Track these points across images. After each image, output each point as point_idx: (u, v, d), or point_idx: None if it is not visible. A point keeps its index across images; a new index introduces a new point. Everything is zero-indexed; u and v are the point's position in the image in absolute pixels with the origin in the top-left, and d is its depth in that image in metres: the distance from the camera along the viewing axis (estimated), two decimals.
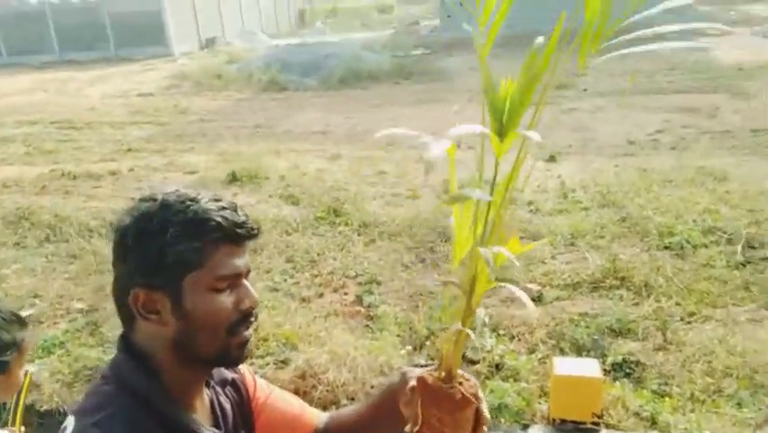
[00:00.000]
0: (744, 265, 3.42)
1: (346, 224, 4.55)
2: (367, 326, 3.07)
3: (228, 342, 0.88)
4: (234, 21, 26.09)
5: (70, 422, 0.84)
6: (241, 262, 0.88)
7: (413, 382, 0.90)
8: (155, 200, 0.87)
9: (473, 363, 2.68)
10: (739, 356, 2.54)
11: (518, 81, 0.82)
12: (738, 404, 2.31)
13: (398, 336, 2.88)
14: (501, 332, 2.91)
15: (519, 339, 2.89)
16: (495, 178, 0.80)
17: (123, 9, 21.99)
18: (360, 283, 3.62)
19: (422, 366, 0.96)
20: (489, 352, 2.70)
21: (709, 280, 3.26)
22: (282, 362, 2.68)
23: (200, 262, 0.84)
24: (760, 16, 15.91)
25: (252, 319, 0.91)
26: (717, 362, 2.53)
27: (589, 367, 2.22)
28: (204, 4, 24.14)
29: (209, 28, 23.97)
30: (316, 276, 3.73)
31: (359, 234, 4.36)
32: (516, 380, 2.49)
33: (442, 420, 0.84)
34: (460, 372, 0.87)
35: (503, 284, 0.79)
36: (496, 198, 0.80)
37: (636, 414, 2.26)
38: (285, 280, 3.67)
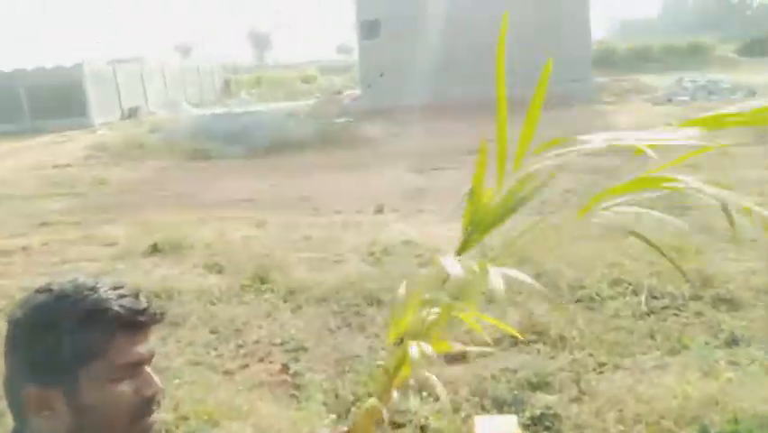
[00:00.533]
0: (648, 315, 3.67)
1: (272, 291, 4.53)
2: (293, 395, 3.03)
3: (130, 432, 0.87)
4: (158, 91, 26.02)
5: None
6: (142, 349, 0.88)
7: None
8: (51, 291, 0.84)
9: (399, 426, 2.70)
10: (647, 403, 2.69)
11: (503, 200, 0.89)
12: None
13: (324, 403, 2.87)
14: (426, 393, 2.95)
15: None
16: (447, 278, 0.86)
17: (40, 81, 21.50)
18: (286, 351, 3.58)
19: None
20: (414, 414, 2.73)
21: (617, 331, 3.47)
22: None
23: (97, 353, 0.83)
24: (649, 85, 17.53)
25: (155, 407, 0.90)
26: (628, 410, 2.67)
27: (508, 424, 2.29)
28: (126, 75, 24.00)
29: (132, 98, 23.75)
30: (241, 346, 3.67)
31: (285, 301, 4.34)
32: None
33: None
34: None
35: (427, 375, 0.87)
36: (446, 305, 0.87)
37: None
38: (208, 353, 3.58)
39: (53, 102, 20.99)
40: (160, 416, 0.92)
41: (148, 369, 0.89)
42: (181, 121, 16.84)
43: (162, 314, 0.91)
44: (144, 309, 0.87)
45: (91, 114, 21.11)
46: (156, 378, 0.90)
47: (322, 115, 15.79)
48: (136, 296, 0.88)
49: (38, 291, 0.86)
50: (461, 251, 0.88)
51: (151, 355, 0.90)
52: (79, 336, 0.82)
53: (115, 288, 0.87)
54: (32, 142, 16.45)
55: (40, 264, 5.65)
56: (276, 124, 13.27)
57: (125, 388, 0.85)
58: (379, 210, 6.91)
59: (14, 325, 0.83)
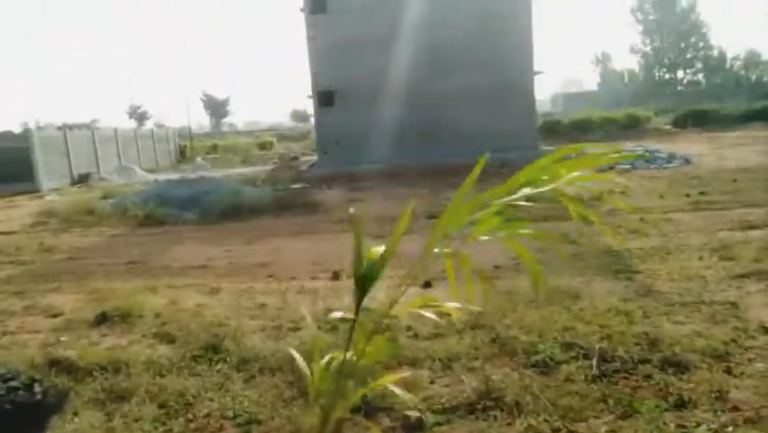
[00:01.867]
0: (599, 379, 3.73)
1: (225, 361, 4.41)
2: None
3: None
4: (111, 156, 25.73)
5: None
6: None
7: None
8: None
9: None
10: None
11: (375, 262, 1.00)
12: None
13: None
14: None
15: None
16: (350, 337, 0.92)
17: None
18: (238, 425, 3.47)
19: None
20: None
21: (571, 395, 3.52)
22: None
23: None
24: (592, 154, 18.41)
25: None
26: None
27: None
28: (77, 140, 23.71)
29: (83, 164, 23.37)
30: (191, 421, 3.53)
31: (238, 372, 4.23)
32: None
33: None
34: None
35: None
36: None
37: None
38: (156, 429, 3.43)
39: (0, 167, 20.43)
40: None
41: None
42: (134, 186, 16.62)
43: (60, 403, 0.86)
44: (39, 402, 0.80)
45: (40, 179, 20.62)
46: None
47: (278, 181, 15.87)
48: (29, 387, 0.81)
49: None
50: (356, 305, 0.96)
51: None
52: None
53: (5, 380, 0.80)
54: None
55: None
56: (231, 190, 13.25)
57: None
58: (336, 277, 6.90)
59: None
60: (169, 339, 4.94)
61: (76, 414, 3.44)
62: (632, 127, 29.59)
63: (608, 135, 27.26)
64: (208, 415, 3.58)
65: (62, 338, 5.11)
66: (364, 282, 1.00)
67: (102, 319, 5.47)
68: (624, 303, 5.05)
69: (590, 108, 36.14)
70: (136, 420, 3.51)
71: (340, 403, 0.84)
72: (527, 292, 5.57)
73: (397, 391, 0.84)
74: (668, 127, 30.10)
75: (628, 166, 14.96)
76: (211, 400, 3.79)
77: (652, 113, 33.56)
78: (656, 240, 7.41)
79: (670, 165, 14.89)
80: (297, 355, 0.98)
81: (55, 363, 4.39)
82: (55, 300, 6.43)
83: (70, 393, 3.71)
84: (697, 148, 18.33)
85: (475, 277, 6.91)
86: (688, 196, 10.33)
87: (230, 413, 3.60)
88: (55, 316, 5.87)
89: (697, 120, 29.61)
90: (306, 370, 0.94)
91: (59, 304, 6.24)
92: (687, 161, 15.18)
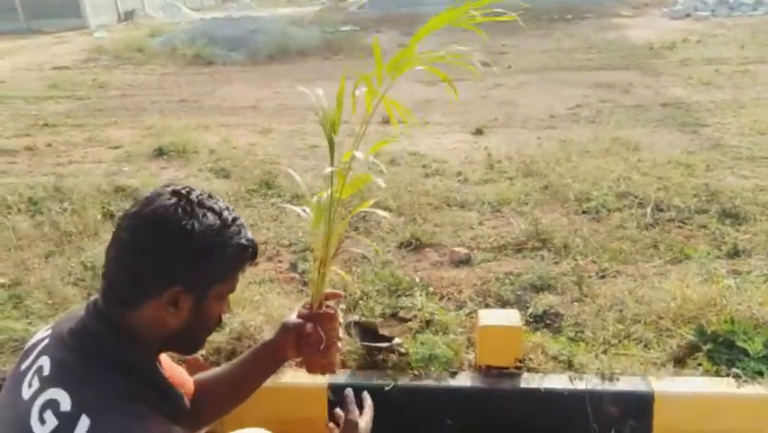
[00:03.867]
0: (652, 226, 3.69)
1: (279, 195, 4.55)
2: (302, 290, 3.11)
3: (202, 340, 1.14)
4: None
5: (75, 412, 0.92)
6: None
7: (294, 316, 1.41)
8: (215, 213, 1.03)
9: (405, 320, 2.79)
10: (646, 305, 2.77)
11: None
12: (645, 346, 2.53)
13: None
14: (431, 291, 3.04)
15: (449, 298, 3.02)
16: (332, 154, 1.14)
17: None
18: (294, 252, 3.65)
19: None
20: (419, 310, 2.82)
21: (622, 240, 3.51)
22: None
23: (229, 278, 1.07)
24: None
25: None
26: (627, 310, 2.75)
27: (511, 318, 2.37)
28: None
29: (128, 0, 22.82)
30: None
31: (292, 205, 4.36)
32: (445, 333, 2.61)
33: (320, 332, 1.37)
34: (326, 303, 1.43)
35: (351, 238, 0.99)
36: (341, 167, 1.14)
37: (554, 358, 2.44)
38: None
39: (48, 2, 20.18)
40: None
41: None
42: (180, 25, 16.29)
43: None
44: (257, 252, 1.12)
45: (87, 15, 20.37)
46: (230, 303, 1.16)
47: (327, 23, 15.23)
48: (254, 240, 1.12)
49: (200, 206, 1.02)
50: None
51: None
52: (230, 263, 1.06)
53: (246, 227, 1.12)
54: (27, 43, 15.97)
55: (45, 165, 5.65)
56: (279, 31, 12.81)
57: (222, 308, 1.11)
58: (386, 121, 6.82)
59: (188, 233, 0.99)
60: (224, 174, 5.08)
61: None
62: None
63: None
64: (265, 242, 3.76)
65: (124, 168, 5.33)
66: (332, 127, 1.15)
67: (159, 153, 5.65)
68: (686, 155, 4.86)
69: None
70: None
71: (335, 228, 1.39)
72: (583, 142, 5.40)
73: (378, 211, 1.40)
74: None
75: (707, 13, 13.62)
76: (267, 229, 3.96)
77: None
78: (730, 92, 6.91)
79: (755, 12, 13.47)
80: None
81: (120, 190, 4.63)
82: (113, 134, 6.62)
83: None
84: None
85: (530, 126, 6.69)
86: None
87: (285, 242, 3.77)
88: (115, 148, 6.08)
89: None
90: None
91: (118, 137, 6.44)
92: None
